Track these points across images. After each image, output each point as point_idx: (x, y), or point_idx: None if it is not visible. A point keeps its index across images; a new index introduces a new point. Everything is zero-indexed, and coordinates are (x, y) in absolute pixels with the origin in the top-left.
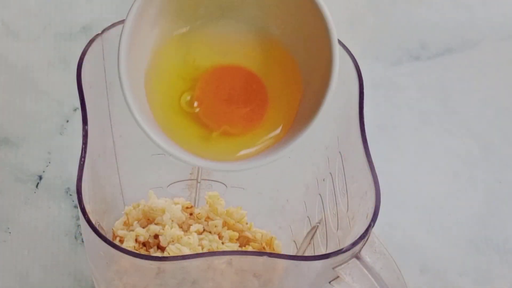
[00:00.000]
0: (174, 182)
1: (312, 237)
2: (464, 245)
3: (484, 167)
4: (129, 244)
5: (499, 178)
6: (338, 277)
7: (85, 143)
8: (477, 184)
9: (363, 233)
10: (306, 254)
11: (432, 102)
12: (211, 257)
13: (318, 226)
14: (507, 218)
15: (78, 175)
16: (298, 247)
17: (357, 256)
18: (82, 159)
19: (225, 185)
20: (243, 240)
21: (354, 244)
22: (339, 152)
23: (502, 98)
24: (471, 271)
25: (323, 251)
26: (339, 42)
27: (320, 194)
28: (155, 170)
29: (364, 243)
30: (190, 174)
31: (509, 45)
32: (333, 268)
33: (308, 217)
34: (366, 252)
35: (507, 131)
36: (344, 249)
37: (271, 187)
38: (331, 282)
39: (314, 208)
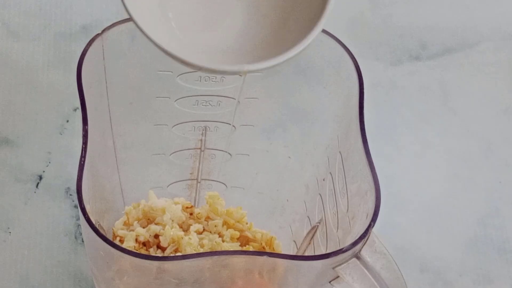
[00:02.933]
0: (174, 182)
1: (312, 237)
2: (464, 245)
3: (484, 167)
4: (129, 244)
5: (499, 178)
6: (338, 276)
7: (85, 143)
8: (477, 184)
9: (363, 233)
10: (306, 254)
11: (432, 102)
12: (212, 257)
13: (318, 226)
14: (507, 218)
15: (78, 175)
16: (298, 247)
17: (357, 256)
18: (82, 159)
19: (225, 185)
20: (243, 240)
21: (354, 244)
22: (339, 152)
23: (502, 98)
24: (471, 271)
25: (323, 251)
26: (339, 42)
27: (320, 194)
28: (155, 170)
29: (364, 243)
30: (190, 174)
31: (509, 44)
32: (333, 268)
33: (308, 217)
34: (366, 252)
35: (507, 131)
36: (344, 249)
37: (271, 187)
38: (331, 282)
39: (314, 208)
